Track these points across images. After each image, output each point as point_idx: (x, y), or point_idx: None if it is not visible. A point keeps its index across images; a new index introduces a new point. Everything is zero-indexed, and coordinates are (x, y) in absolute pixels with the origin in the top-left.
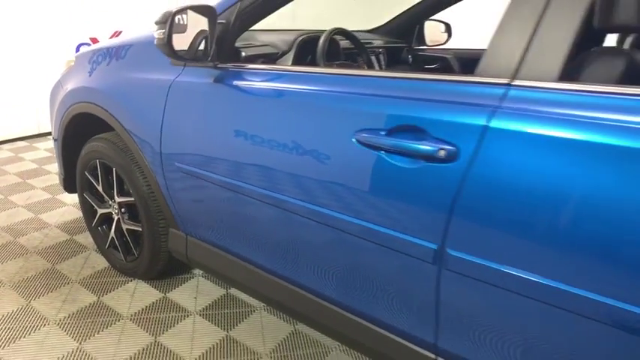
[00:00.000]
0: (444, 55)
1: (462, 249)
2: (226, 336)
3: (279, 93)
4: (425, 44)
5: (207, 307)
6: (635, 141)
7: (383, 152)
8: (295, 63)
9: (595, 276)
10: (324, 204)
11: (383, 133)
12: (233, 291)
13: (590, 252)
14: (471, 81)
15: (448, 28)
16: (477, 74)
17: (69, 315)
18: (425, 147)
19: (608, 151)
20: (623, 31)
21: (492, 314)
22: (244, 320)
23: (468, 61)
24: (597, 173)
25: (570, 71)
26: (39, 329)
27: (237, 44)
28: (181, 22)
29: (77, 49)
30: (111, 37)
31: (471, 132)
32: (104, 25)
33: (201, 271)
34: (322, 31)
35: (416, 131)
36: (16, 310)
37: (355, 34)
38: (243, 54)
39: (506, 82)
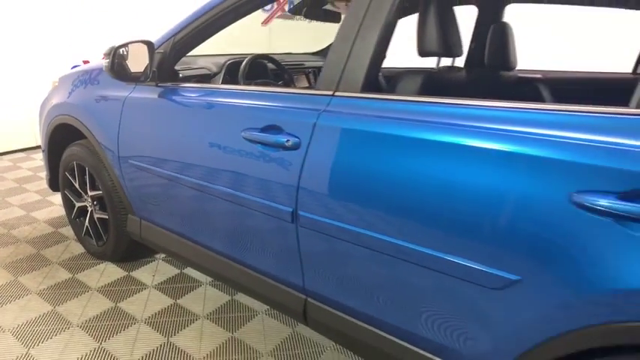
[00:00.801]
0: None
1: (307, 210)
2: (174, 303)
3: (203, 104)
4: None
5: (162, 282)
6: (402, 131)
7: (259, 145)
8: (223, 82)
9: (386, 223)
10: (228, 185)
11: (258, 130)
12: (187, 270)
13: (379, 206)
14: (311, 93)
15: None
16: (315, 87)
17: (47, 287)
18: (280, 139)
19: (384, 138)
20: (432, 56)
21: (336, 259)
22: (191, 292)
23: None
24: (381, 152)
25: (390, 85)
26: (22, 297)
27: (178, 67)
28: (124, 52)
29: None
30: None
31: (306, 128)
32: (103, 28)
33: (162, 255)
34: (250, 54)
35: (276, 129)
36: (5, 283)
37: (300, 56)
38: (181, 75)
39: (331, 93)
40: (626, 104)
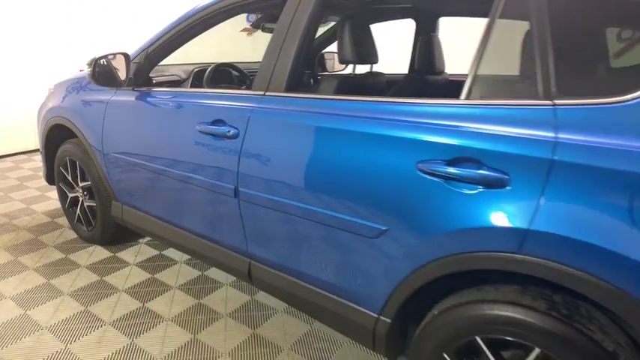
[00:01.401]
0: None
1: (245, 186)
2: (151, 277)
3: (169, 104)
4: (326, 70)
5: (142, 261)
6: (311, 121)
7: (209, 135)
8: (191, 87)
9: (304, 194)
10: (187, 170)
11: (207, 124)
12: (165, 252)
13: (298, 180)
14: (248, 93)
15: None
16: (252, 88)
17: (43, 265)
18: (224, 130)
19: (299, 127)
20: (349, 64)
21: (268, 225)
22: (167, 269)
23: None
24: (297, 137)
25: (315, 86)
26: (21, 273)
27: (153, 74)
28: (104, 63)
29: None
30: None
31: (243, 121)
32: (103, 28)
33: (145, 239)
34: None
35: (222, 122)
36: (6, 262)
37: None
38: (154, 81)
39: (262, 93)
40: None
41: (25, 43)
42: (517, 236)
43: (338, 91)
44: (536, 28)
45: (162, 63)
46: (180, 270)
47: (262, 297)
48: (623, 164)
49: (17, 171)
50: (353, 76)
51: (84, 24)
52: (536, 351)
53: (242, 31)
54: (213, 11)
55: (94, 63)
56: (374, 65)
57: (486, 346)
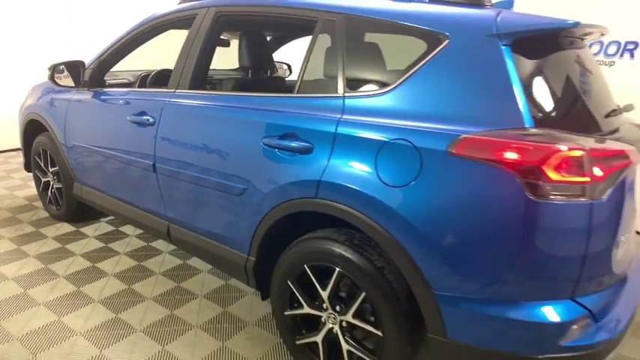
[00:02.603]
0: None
1: (160, 162)
2: (104, 246)
3: (114, 101)
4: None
5: (100, 234)
6: (197, 110)
7: (135, 124)
8: (138, 87)
9: (198, 165)
10: (122, 152)
11: (135, 115)
12: (122, 228)
13: (193, 155)
14: (164, 90)
15: (289, 67)
16: (167, 86)
17: (16, 236)
18: (145, 119)
19: (193, 114)
20: (247, 69)
21: (176, 192)
22: (119, 240)
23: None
24: (192, 122)
25: (218, 85)
26: None
27: (106, 77)
28: (62, 68)
29: None
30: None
31: (158, 111)
32: (103, 28)
33: (107, 218)
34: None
35: (145, 113)
36: None
37: (219, 71)
38: (107, 82)
39: (173, 90)
40: None
41: (23, 42)
42: (314, 186)
43: (234, 89)
44: (337, 46)
45: (123, 69)
46: (130, 241)
47: (193, 261)
48: (375, 134)
49: (5, 165)
50: (248, 78)
51: (84, 24)
52: (337, 270)
53: None
54: (145, 29)
55: (53, 68)
56: None
57: (312, 272)
